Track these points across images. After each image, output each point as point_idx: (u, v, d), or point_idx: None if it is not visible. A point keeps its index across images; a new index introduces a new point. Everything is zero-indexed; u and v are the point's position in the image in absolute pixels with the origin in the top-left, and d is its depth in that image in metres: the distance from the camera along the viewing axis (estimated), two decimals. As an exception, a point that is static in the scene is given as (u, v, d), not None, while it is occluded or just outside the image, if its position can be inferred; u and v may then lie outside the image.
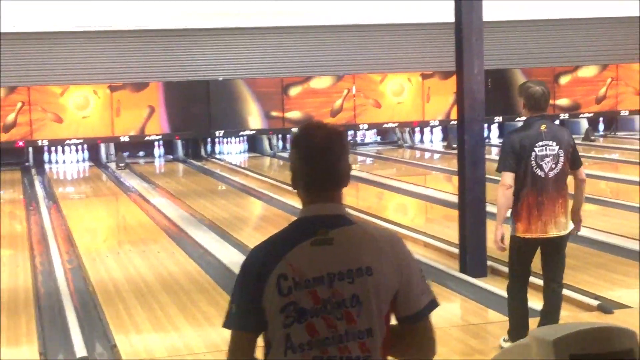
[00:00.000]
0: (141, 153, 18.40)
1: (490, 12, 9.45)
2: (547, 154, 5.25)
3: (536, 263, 5.55)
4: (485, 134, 18.30)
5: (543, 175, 5.23)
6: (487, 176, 7.74)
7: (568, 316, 6.05)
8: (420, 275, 2.39)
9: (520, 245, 5.38)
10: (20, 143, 17.02)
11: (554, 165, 5.26)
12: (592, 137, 18.71)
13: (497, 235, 5.35)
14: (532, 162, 5.22)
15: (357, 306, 2.28)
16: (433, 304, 2.39)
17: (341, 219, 2.37)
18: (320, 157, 2.35)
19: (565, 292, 6.65)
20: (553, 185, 5.25)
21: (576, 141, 18.18)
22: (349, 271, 2.29)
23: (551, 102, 19.44)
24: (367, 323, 2.29)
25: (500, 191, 5.30)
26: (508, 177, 5.25)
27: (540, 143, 5.24)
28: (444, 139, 19.33)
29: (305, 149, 2.36)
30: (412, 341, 2.41)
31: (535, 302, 6.20)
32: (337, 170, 2.37)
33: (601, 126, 20.21)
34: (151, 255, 8.69)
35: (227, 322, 2.38)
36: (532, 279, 5.63)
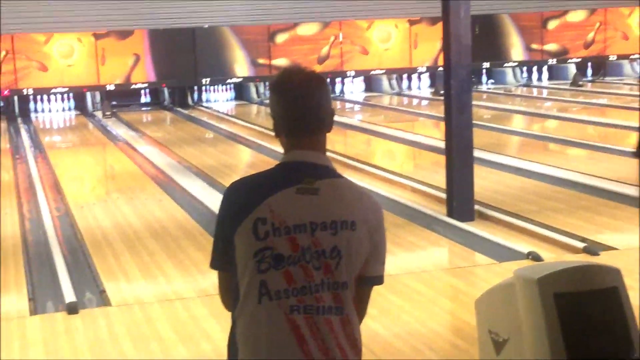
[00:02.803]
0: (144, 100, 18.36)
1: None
2: None
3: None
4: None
5: None
6: (474, 122, 7.74)
7: (554, 258, 6.11)
8: (384, 246, 2.37)
9: None
10: (6, 92, 16.87)
11: None
12: (580, 83, 18.69)
13: None
14: None
15: (337, 258, 2.25)
16: (381, 279, 2.38)
17: (328, 170, 2.32)
18: (300, 101, 2.30)
19: (551, 234, 6.75)
20: None
21: (564, 86, 18.16)
22: (333, 222, 2.25)
23: (539, 47, 19.43)
24: (343, 276, 2.26)
25: None
26: None
27: None
28: (431, 86, 19.25)
29: (284, 93, 2.32)
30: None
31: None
32: (319, 114, 2.32)
33: (589, 71, 20.17)
34: (139, 203, 8.68)
35: (210, 262, 2.38)
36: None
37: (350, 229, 2.26)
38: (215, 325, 5.00)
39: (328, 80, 18.56)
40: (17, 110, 17.22)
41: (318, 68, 18.31)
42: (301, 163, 2.31)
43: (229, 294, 2.35)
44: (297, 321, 2.23)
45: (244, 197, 2.30)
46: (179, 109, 17.72)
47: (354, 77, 19.06)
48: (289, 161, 2.33)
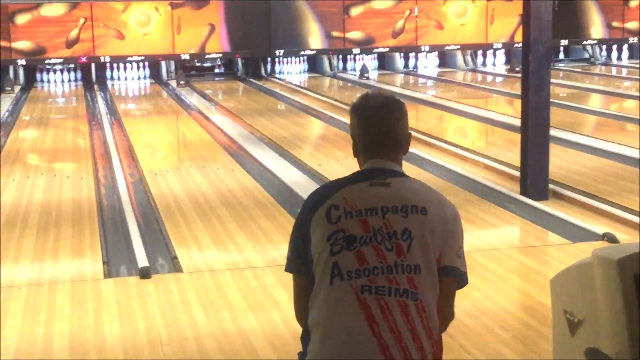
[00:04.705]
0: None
1: None
2: None
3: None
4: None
5: None
6: (551, 100, 7.59)
7: (630, 240, 5.98)
8: (460, 244, 2.37)
9: None
10: (83, 59, 17.16)
11: None
12: (661, 63, 18.22)
13: None
14: None
15: (408, 240, 2.28)
16: (458, 272, 2.37)
17: (400, 173, 2.42)
18: (378, 120, 2.40)
19: (628, 216, 6.60)
20: None
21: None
22: (404, 206, 2.32)
23: (620, 25, 18.94)
24: (416, 259, 2.28)
25: None
26: None
27: None
28: (506, 62, 18.97)
29: (363, 113, 2.43)
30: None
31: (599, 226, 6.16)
32: (396, 133, 2.42)
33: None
34: (211, 172, 8.76)
35: (285, 266, 2.44)
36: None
37: (421, 213, 2.32)
38: (285, 295, 5.03)
39: (402, 54, 18.50)
40: (94, 77, 17.52)
41: (392, 42, 18.20)
42: (376, 168, 2.41)
43: (302, 301, 2.38)
44: (368, 301, 2.25)
45: (319, 193, 2.41)
46: (252, 79, 17.80)
47: (428, 52, 18.87)
48: (365, 168, 2.44)
